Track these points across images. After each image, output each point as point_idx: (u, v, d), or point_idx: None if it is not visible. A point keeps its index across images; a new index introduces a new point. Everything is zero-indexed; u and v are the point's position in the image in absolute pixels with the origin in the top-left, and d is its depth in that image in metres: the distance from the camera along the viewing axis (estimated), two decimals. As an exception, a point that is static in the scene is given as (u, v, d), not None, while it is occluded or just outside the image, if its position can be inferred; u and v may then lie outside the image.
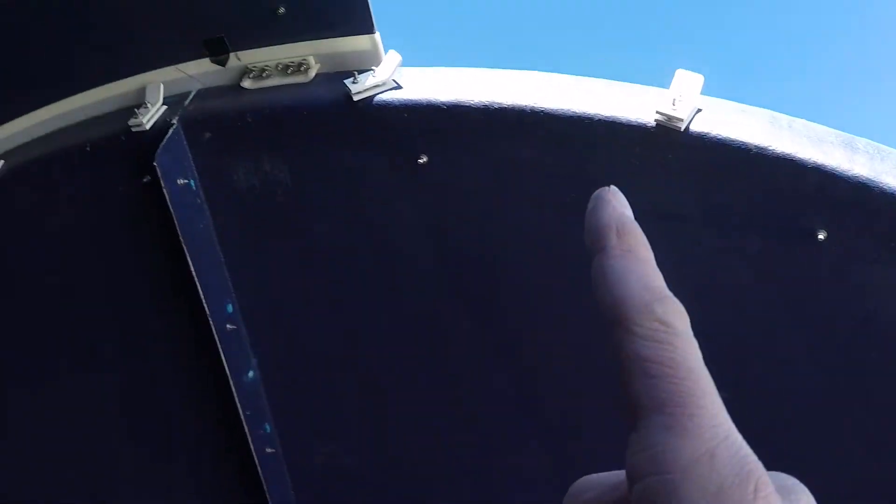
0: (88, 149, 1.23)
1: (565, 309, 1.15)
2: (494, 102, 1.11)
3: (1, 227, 1.31)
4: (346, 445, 1.33)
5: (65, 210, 1.28)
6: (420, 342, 1.24)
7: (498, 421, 1.29)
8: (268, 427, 1.34)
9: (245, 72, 1.21)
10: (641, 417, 0.23)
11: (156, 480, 1.45)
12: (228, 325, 1.25)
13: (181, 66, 1.23)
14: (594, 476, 0.27)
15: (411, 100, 1.13)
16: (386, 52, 1.19)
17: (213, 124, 1.18)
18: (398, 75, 1.16)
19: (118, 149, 1.22)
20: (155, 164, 1.14)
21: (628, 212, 0.28)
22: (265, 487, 1.37)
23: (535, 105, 1.10)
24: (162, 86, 1.22)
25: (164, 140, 1.15)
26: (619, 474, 0.25)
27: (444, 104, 1.13)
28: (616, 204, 0.28)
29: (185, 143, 1.19)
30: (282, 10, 1.17)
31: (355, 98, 1.13)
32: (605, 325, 0.25)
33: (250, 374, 1.30)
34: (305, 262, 1.24)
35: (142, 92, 1.24)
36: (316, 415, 1.34)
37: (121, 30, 1.21)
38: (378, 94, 1.14)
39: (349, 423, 1.32)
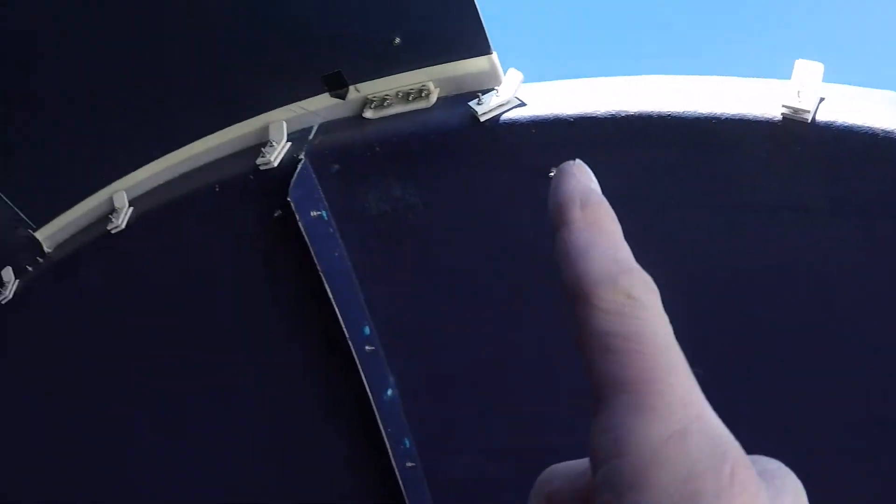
0: (217, 189, 1.28)
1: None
2: (621, 111, 1.14)
3: (134, 272, 1.37)
4: (487, 455, 1.38)
5: (196, 250, 1.33)
6: (558, 353, 1.28)
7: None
8: (407, 442, 1.39)
9: (366, 102, 1.25)
10: (605, 398, 0.21)
11: (300, 499, 1.51)
12: (367, 347, 1.30)
13: (302, 103, 1.27)
14: (561, 465, 0.26)
15: (538, 115, 1.17)
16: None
17: (340, 156, 1.23)
18: (521, 92, 1.19)
19: (247, 187, 1.27)
20: (289, 198, 1.19)
21: (594, 185, 0.27)
22: (406, 501, 1.42)
23: (662, 110, 1.12)
24: (285, 123, 1.27)
25: (295, 175, 1.20)
26: (587, 462, 0.23)
27: (570, 117, 1.16)
28: (580, 177, 0.27)
29: (313, 176, 1.23)
30: (397, 40, 1.20)
31: (482, 119, 1.16)
32: (567, 302, 0.23)
33: (389, 392, 1.34)
34: (438, 281, 1.28)
35: (263, 131, 1.29)
36: (454, 427, 1.38)
37: (241, 73, 1.26)
38: (504, 112, 1.17)
39: (489, 433, 1.37)
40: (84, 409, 1.48)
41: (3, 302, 1.50)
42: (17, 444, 1.55)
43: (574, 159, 0.27)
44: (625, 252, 0.25)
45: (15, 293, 1.49)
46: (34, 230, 1.48)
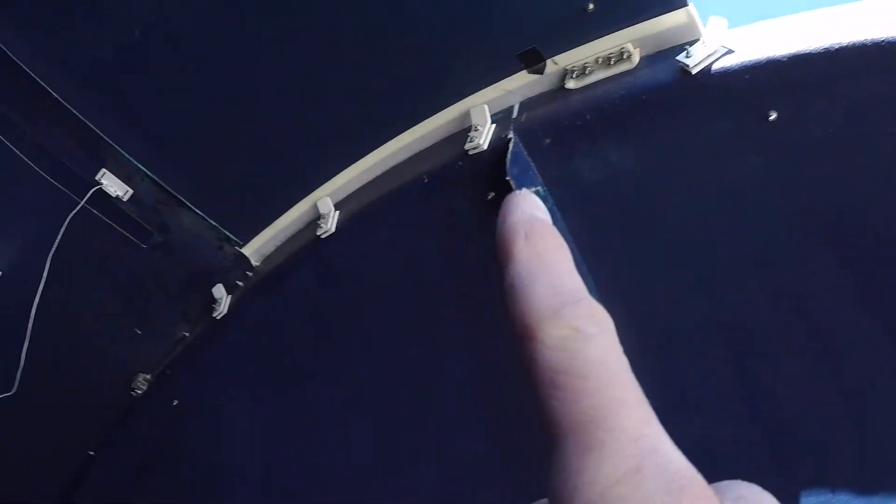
0: (426, 180, 1.33)
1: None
2: (834, 44, 1.12)
3: (347, 274, 1.44)
4: (721, 419, 1.37)
5: (409, 245, 1.39)
6: (794, 310, 1.26)
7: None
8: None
9: (566, 73, 1.28)
10: (555, 437, 0.21)
11: (511, 476, 1.54)
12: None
13: (500, 84, 1.31)
14: None
15: (749, 60, 1.16)
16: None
17: (549, 129, 1.25)
18: (727, 39, 1.19)
19: (456, 175, 1.31)
20: (508, 177, 1.22)
21: (539, 213, 0.26)
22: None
23: (877, 37, 1.10)
24: (486, 106, 1.31)
25: (509, 153, 1.23)
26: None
27: (783, 57, 1.15)
28: (525, 207, 0.26)
29: (525, 153, 1.26)
30: (591, 6, 1.22)
31: (693, 71, 1.16)
32: (515, 341, 0.23)
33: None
34: (660, 245, 1.28)
35: (464, 118, 1.33)
36: (682, 393, 1.38)
37: (437, 62, 1.31)
38: (713, 62, 1.17)
39: (721, 395, 1.36)
40: (306, 413, 1.57)
41: (218, 317, 1.60)
42: (245, 451, 1.65)
43: (533, 187, 0.28)
44: (570, 282, 0.24)
45: (229, 307, 1.59)
46: (240, 247, 1.58)
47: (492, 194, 1.30)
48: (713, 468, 0.26)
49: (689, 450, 0.22)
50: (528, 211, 0.26)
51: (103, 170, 1.57)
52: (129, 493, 1.92)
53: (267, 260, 1.58)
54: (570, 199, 1.29)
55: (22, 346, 1.75)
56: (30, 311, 1.71)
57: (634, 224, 1.29)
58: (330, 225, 1.40)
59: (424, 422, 1.50)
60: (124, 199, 1.59)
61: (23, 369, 1.78)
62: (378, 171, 1.39)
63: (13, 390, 1.79)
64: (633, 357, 0.24)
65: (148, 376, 1.80)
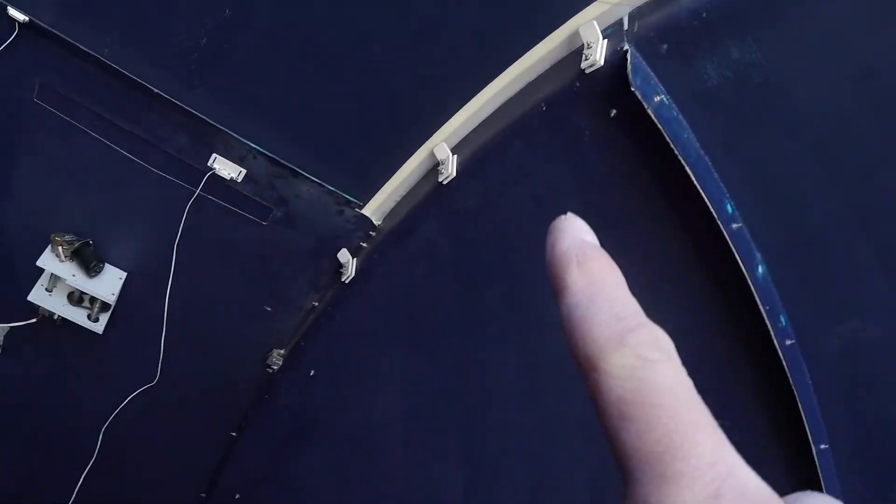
0: (544, 108, 1.34)
1: None
2: None
3: (474, 216, 1.47)
4: (869, 319, 1.35)
5: (536, 174, 1.40)
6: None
7: None
8: (783, 319, 1.39)
9: (674, -26, 1.26)
10: (631, 470, 0.21)
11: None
12: (733, 225, 1.31)
13: (605, -3, 1.30)
14: None
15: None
16: None
17: (666, 34, 1.24)
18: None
19: (575, 96, 1.32)
20: (633, 88, 1.22)
21: (588, 236, 0.25)
22: (789, 378, 1.42)
23: None
24: (595, 22, 1.30)
25: (629, 64, 1.23)
26: None
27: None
28: (573, 232, 0.25)
29: (644, 63, 1.26)
30: None
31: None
32: (579, 372, 0.22)
33: (760, 269, 1.35)
34: (794, 136, 1.27)
35: (572, 39, 1.33)
36: (832, 296, 1.37)
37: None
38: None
39: (871, 296, 1.34)
40: (444, 357, 1.61)
41: (346, 281, 1.66)
42: (385, 409, 1.71)
43: (565, 213, 0.26)
44: (629, 306, 0.24)
45: (356, 270, 1.64)
46: (361, 208, 1.63)
47: (614, 111, 1.31)
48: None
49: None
50: (577, 236, 0.26)
51: (214, 155, 1.63)
52: (275, 467, 2.03)
53: (389, 217, 1.62)
54: (694, 106, 1.28)
55: (160, 338, 1.85)
56: (163, 303, 1.81)
57: (766, 117, 1.28)
58: (450, 170, 1.42)
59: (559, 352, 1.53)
60: (238, 181, 1.65)
61: (162, 359, 1.88)
62: (491, 109, 1.41)
63: (155, 380, 1.91)
64: None
65: (282, 351, 1.88)
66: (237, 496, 2.12)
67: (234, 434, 2.06)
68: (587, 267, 0.24)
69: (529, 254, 1.40)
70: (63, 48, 1.53)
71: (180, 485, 2.16)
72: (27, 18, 1.50)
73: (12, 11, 1.49)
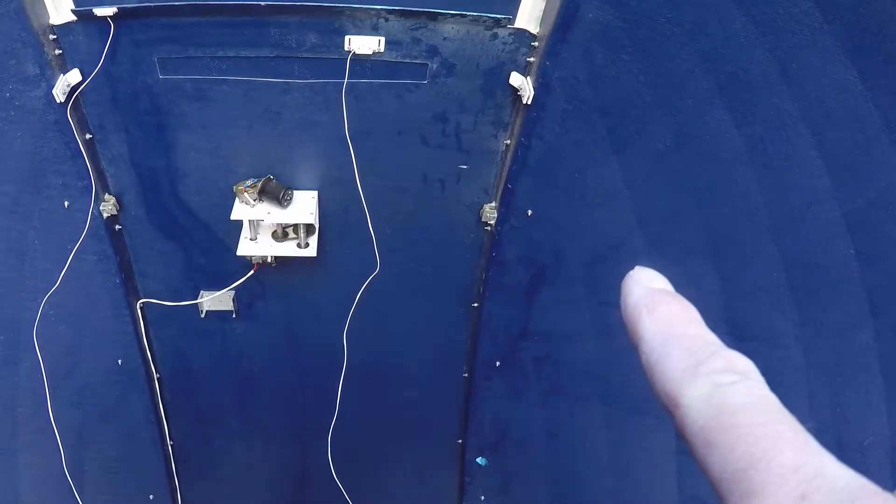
0: None
1: None
2: None
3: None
4: None
5: None
6: None
7: None
8: None
9: None
10: (725, 494, 0.22)
11: None
12: None
13: None
14: None
15: None
16: None
17: None
18: None
19: None
20: None
21: (657, 283, 0.29)
22: None
23: None
24: None
25: None
26: None
27: None
28: (641, 282, 0.29)
29: None
30: None
31: None
32: (667, 414, 0.25)
33: None
34: None
35: None
36: None
37: None
38: None
39: None
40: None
41: (528, 101, 1.73)
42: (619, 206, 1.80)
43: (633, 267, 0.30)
44: (702, 339, 0.26)
45: (534, 87, 1.70)
46: (512, 22, 1.66)
47: None
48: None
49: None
50: (646, 286, 0.29)
51: (347, 37, 1.71)
52: (528, 319, 2.21)
53: (544, 19, 1.64)
54: None
55: (368, 231, 2.04)
56: (360, 202, 1.98)
57: None
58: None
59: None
60: (382, 50, 1.73)
61: (377, 245, 2.08)
62: None
63: (377, 269, 2.11)
64: None
65: (493, 203, 2.01)
66: (498, 363, 2.34)
67: (475, 305, 2.25)
68: (657, 313, 0.27)
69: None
70: (160, 13, 1.65)
71: (438, 357, 2.41)
72: (115, 9, 1.62)
73: (98, 10, 1.61)
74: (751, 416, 0.23)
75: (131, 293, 2.15)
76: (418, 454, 2.67)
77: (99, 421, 2.34)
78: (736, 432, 0.22)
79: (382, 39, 1.71)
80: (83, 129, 1.81)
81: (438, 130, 1.87)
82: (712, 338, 0.26)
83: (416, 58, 1.75)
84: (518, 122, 1.82)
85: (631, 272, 0.30)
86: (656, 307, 0.28)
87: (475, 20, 1.66)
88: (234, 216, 1.95)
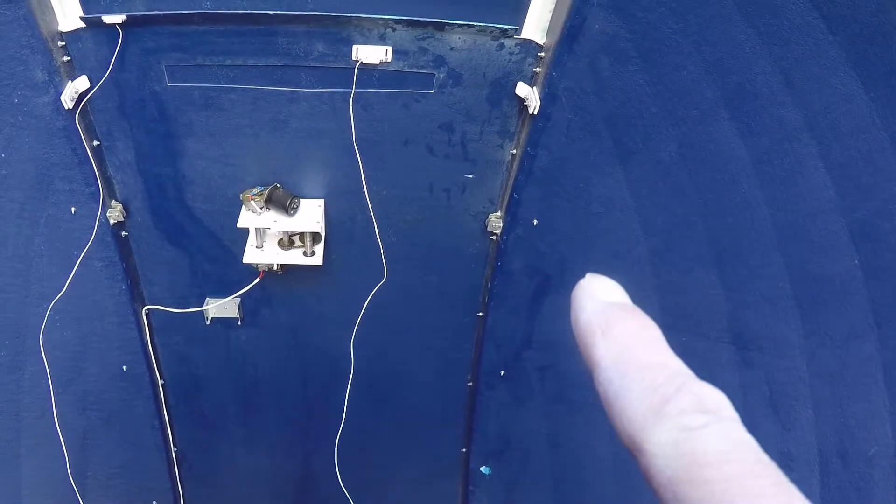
0: None
1: None
2: None
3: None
4: None
5: None
6: None
7: None
8: None
9: None
10: None
11: None
12: None
13: None
14: None
15: None
16: None
17: None
18: None
19: None
20: None
21: (613, 295, 0.25)
22: None
23: None
24: None
25: None
26: None
27: None
28: (594, 295, 0.26)
29: None
30: None
31: None
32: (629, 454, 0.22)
33: None
34: None
35: None
36: None
37: None
38: None
39: None
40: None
41: (535, 112, 1.74)
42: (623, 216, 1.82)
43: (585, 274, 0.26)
44: (666, 369, 0.23)
45: (540, 97, 1.71)
46: (519, 32, 1.68)
47: None
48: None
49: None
50: (600, 300, 0.26)
51: (354, 47, 1.73)
52: (529, 330, 2.22)
53: (550, 30, 1.65)
54: None
55: (375, 239, 2.05)
56: (367, 210, 1.99)
57: None
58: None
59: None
60: (389, 60, 1.74)
61: (384, 254, 2.09)
62: None
63: (384, 278, 2.12)
64: None
65: (499, 213, 2.02)
66: (502, 372, 2.35)
67: (479, 314, 2.26)
68: (613, 334, 0.24)
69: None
70: (168, 23, 1.67)
71: (443, 366, 2.43)
72: (124, 16, 1.64)
73: (107, 18, 1.63)
74: (726, 467, 0.20)
75: (137, 299, 2.16)
76: (422, 462, 2.68)
77: (103, 426, 2.35)
78: (710, 488, 0.20)
79: (390, 49, 1.73)
80: (91, 135, 1.83)
81: (445, 140, 1.89)
82: (678, 365, 0.23)
83: (423, 67, 1.77)
84: (524, 131, 1.84)
85: (582, 281, 0.27)
86: (612, 327, 0.24)
87: (482, 30, 1.68)
88: (240, 224, 1.97)
